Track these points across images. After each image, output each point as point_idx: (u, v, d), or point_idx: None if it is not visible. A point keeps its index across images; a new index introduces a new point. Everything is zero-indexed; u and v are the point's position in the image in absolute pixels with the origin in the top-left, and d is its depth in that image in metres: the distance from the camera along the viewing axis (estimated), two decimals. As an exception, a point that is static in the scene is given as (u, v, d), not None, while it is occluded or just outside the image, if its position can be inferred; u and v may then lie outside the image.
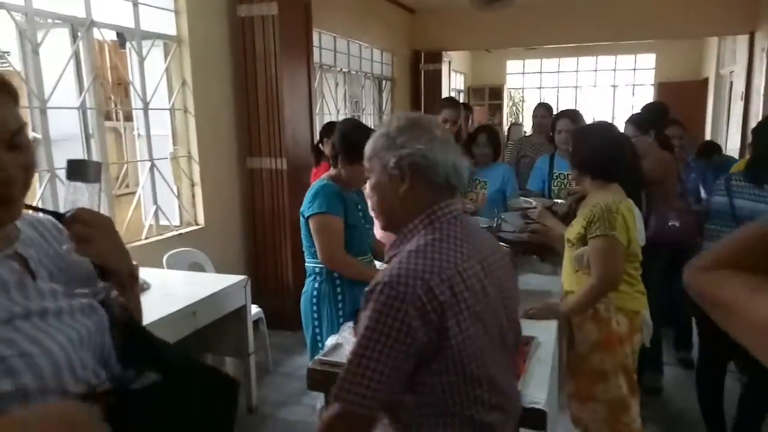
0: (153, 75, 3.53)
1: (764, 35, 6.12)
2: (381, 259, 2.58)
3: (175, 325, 2.36)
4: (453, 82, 9.28)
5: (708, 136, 9.19)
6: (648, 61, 11.04)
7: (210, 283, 2.77)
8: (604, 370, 2.03)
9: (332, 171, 2.36)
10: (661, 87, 10.64)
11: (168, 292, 2.60)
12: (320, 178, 2.38)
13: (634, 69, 11.33)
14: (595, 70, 11.63)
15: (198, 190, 3.73)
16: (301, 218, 2.32)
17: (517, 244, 2.68)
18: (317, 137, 4.51)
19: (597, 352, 2.03)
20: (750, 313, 0.70)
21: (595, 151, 2.07)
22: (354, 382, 1.08)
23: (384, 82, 7.16)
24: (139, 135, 3.61)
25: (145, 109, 3.45)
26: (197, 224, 3.75)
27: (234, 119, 4.03)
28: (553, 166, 3.48)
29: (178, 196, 3.71)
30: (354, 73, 6.30)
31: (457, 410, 1.15)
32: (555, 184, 3.44)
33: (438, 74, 7.77)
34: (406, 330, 1.08)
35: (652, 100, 9.89)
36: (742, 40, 6.82)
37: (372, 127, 2.59)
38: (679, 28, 7.04)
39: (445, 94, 7.73)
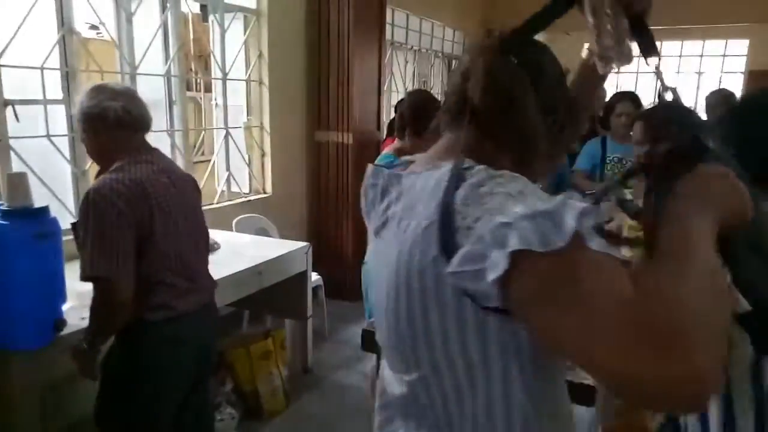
0: (232, 47, 3.69)
1: None
2: None
3: (242, 282, 2.53)
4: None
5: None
6: (740, 47, 10.30)
7: (275, 246, 2.92)
8: None
9: (398, 143, 2.36)
10: (752, 75, 9.92)
11: (237, 252, 2.77)
12: (385, 151, 2.41)
13: (724, 55, 10.61)
14: (680, 56, 10.98)
15: (267, 160, 3.90)
16: None
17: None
18: (384, 113, 4.58)
19: None
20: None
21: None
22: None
23: (454, 61, 7.10)
24: (216, 104, 3.80)
25: (224, 79, 3.63)
26: (265, 192, 3.93)
27: (305, 93, 4.15)
28: (606, 150, 3.35)
29: (249, 165, 3.89)
30: (424, 51, 6.28)
31: (158, 275, 1.63)
32: (608, 168, 3.31)
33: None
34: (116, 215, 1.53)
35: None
36: None
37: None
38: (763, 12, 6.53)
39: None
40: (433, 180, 0.76)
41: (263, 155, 3.92)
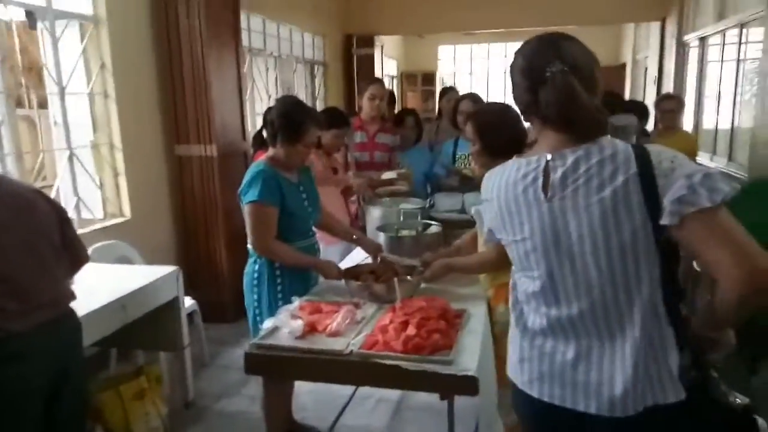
0: (68, 58, 3.33)
1: (673, 22, 6.52)
2: (339, 236, 2.60)
3: (102, 320, 2.28)
4: (386, 68, 9.30)
5: (627, 118, 9.71)
6: (571, 46, 11.47)
7: (139, 275, 2.67)
8: None
9: (270, 152, 2.31)
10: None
11: (93, 287, 2.48)
12: (258, 160, 2.34)
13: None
14: (523, 56, 11.96)
15: (122, 180, 3.57)
16: (239, 201, 2.28)
17: (448, 222, 2.77)
18: (249, 122, 4.43)
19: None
20: None
21: (507, 131, 2.01)
22: None
23: (316, 66, 7.08)
24: (55, 123, 3.40)
25: (61, 94, 3.26)
26: (123, 216, 3.60)
27: (159, 105, 3.87)
28: (457, 149, 3.56)
29: (101, 187, 3.54)
30: (285, 57, 6.19)
31: None
32: (458, 164, 3.53)
33: (371, 59, 7.76)
34: None
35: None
36: (655, 27, 7.23)
37: (314, 110, 2.55)
38: (598, 15, 7.38)
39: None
40: (606, 147, 1.16)
41: (117, 175, 3.58)
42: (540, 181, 1.22)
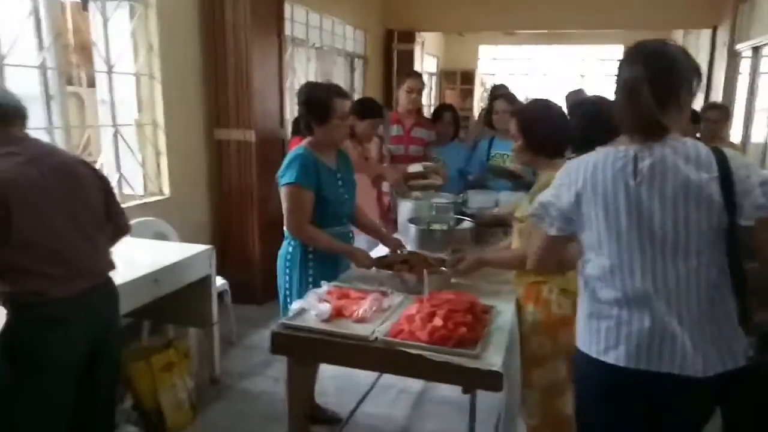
0: (117, 38, 3.43)
1: (725, 30, 6.30)
2: (366, 230, 2.59)
3: (136, 292, 2.35)
4: (425, 65, 9.27)
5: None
6: (616, 52, 11.23)
7: (174, 251, 2.75)
8: (542, 355, 1.96)
9: (309, 138, 2.35)
10: (627, 78, 10.85)
11: (130, 260, 2.55)
12: (299, 145, 2.38)
13: (603, 59, 11.52)
14: (565, 60, 11.77)
15: (163, 159, 3.67)
16: (278, 184, 2.32)
17: (481, 218, 2.75)
18: (288, 111, 4.48)
19: (537, 335, 1.96)
20: None
21: (551, 128, 2.00)
22: None
23: (356, 59, 7.11)
24: (102, 101, 3.51)
25: (109, 72, 3.36)
26: (162, 194, 3.70)
27: (202, 88, 3.95)
28: (491, 148, 3.54)
29: (143, 165, 3.64)
30: (326, 49, 6.23)
31: (24, 264, 1.66)
32: (492, 162, 3.51)
33: (410, 55, 7.75)
34: None
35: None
36: (705, 34, 7.00)
37: (333, 83, 2.56)
38: (646, 20, 7.18)
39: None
40: (689, 147, 1.37)
41: (158, 154, 3.68)
42: (630, 168, 1.39)
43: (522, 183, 2.92)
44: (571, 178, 1.48)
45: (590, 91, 5.06)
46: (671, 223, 1.37)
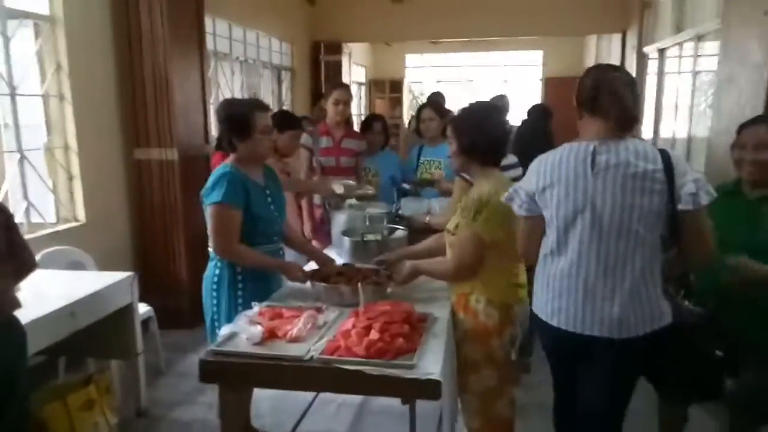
0: (21, 58, 3.20)
1: (634, 34, 6.70)
2: (294, 247, 2.53)
3: (49, 327, 2.18)
4: (354, 75, 9.30)
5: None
6: (536, 57, 11.71)
7: (91, 281, 2.56)
8: (476, 361, 1.97)
9: (233, 156, 2.26)
10: (547, 82, 11.34)
11: (41, 293, 2.37)
12: (224, 162, 2.28)
13: (524, 65, 11.97)
14: (489, 66, 12.15)
15: (77, 184, 3.44)
16: (201, 202, 2.21)
17: (414, 225, 2.75)
18: (213, 127, 4.34)
19: (468, 342, 1.98)
20: None
21: (483, 133, 1.99)
22: None
23: (283, 72, 7.02)
24: (5, 124, 3.26)
25: (12, 95, 3.12)
26: (77, 220, 3.46)
27: (118, 108, 3.76)
28: (421, 156, 3.59)
29: (54, 191, 3.40)
30: (251, 62, 6.11)
31: None
32: (419, 170, 3.58)
33: (338, 66, 7.74)
34: None
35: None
36: (617, 39, 7.42)
37: (251, 98, 2.50)
38: (561, 26, 7.54)
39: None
40: (637, 145, 1.65)
41: (71, 179, 3.45)
42: (589, 160, 1.67)
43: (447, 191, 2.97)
44: (539, 167, 1.77)
45: (513, 96, 5.25)
46: (618, 208, 1.64)
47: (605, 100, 1.68)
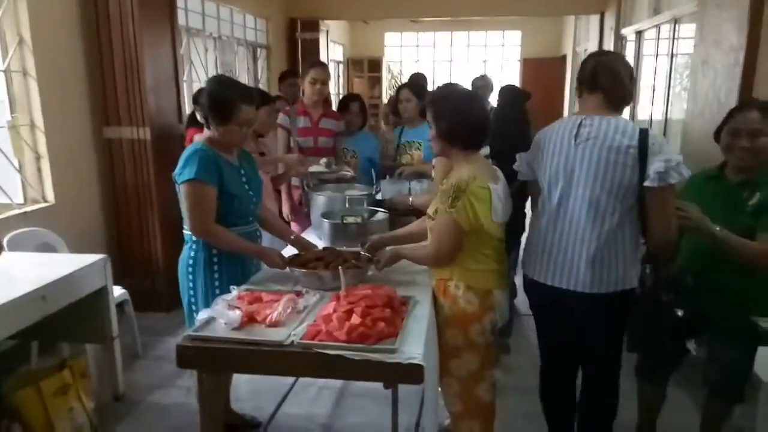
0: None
1: (612, 15, 6.71)
2: (271, 230, 2.47)
3: (20, 311, 2.10)
4: (332, 53, 9.15)
5: (566, 108, 9.99)
6: (515, 38, 11.69)
7: (62, 263, 2.48)
8: (456, 346, 1.96)
9: (206, 133, 2.18)
10: (525, 63, 11.35)
11: (10, 276, 2.30)
12: (196, 139, 2.20)
13: (503, 45, 11.95)
14: (468, 46, 12.10)
15: (45, 163, 3.32)
16: (175, 184, 2.15)
17: (395, 208, 2.73)
18: (186, 105, 4.23)
19: (449, 327, 1.96)
20: None
21: (464, 117, 1.93)
22: None
23: (259, 49, 6.87)
24: (-33, 99, 3.12)
25: (-27, 69, 2.98)
26: (46, 201, 3.35)
27: (86, 84, 3.62)
28: (401, 137, 3.56)
29: (20, 170, 3.28)
30: (225, 38, 5.95)
31: None
32: (399, 152, 3.54)
33: (315, 43, 7.60)
34: None
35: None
36: (594, 20, 7.43)
37: (243, 82, 2.41)
38: (540, 7, 7.50)
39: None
40: (619, 123, 1.84)
41: (39, 158, 3.32)
42: (574, 131, 1.89)
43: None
44: (538, 137, 2.03)
45: (494, 76, 5.24)
46: (592, 176, 1.85)
47: (603, 78, 1.88)
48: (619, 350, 2.05)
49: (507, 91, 3.85)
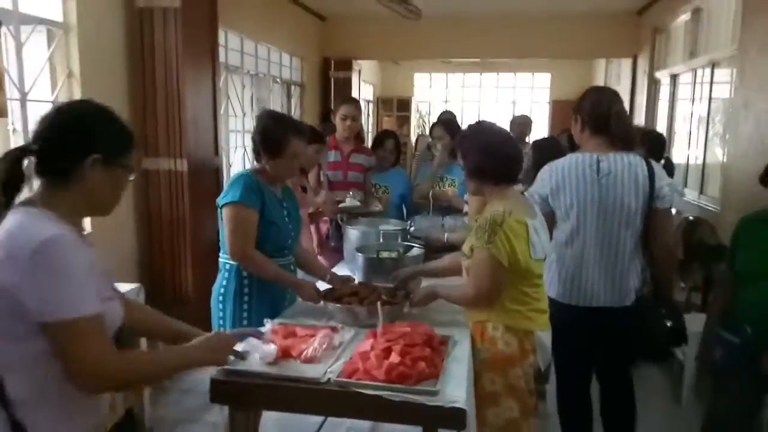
0: (33, 64, 3.16)
1: (645, 59, 6.70)
2: (309, 270, 2.41)
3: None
4: (363, 92, 9.31)
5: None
6: (544, 80, 11.75)
7: (97, 292, 2.48)
8: (494, 392, 1.87)
9: (256, 165, 2.23)
10: (554, 104, 11.36)
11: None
12: (245, 170, 2.25)
13: (532, 87, 12.00)
14: (497, 87, 12.19)
15: (86, 192, 3.38)
16: (217, 209, 2.16)
17: (432, 244, 2.68)
18: (222, 138, 4.30)
19: (486, 372, 1.88)
20: None
21: (492, 152, 1.91)
22: None
23: (293, 87, 7.02)
24: (14, 129, 3.21)
25: (23, 100, 3.08)
26: (83, 229, 3.39)
27: (128, 116, 3.71)
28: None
29: (62, 199, 3.34)
30: (262, 75, 6.11)
31: None
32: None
33: (348, 82, 7.75)
34: None
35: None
36: (626, 63, 7.42)
37: (296, 119, 2.45)
38: (571, 50, 7.55)
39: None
40: (630, 158, 2.20)
41: (79, 187, 3.39)
42: (595, 167, 2.18)
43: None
44: (551, 174, 2.24)
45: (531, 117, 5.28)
46: (618, 206, 2.15)
47: (614, 125, 2.18)
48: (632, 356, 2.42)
49: (542, 146, 3.65)
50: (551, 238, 2.22)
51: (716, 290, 2.15)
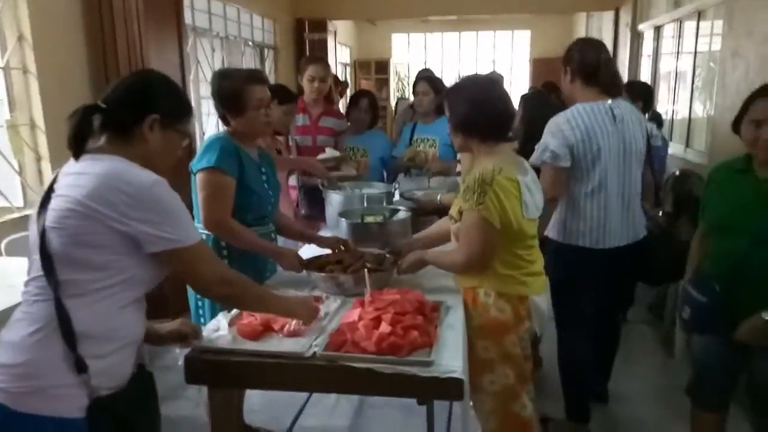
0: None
1: (628, 11, 6.54)
2: (290, 235, 2.33)
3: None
4: (339, 55, 9.01)
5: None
6: (524, 37, 11.52)
7: (63, 270, 2.33)
8: (489, 359, 1.78)
9: (227, 128, 2.08)
10: (535, 63, 11.17)
11: (9, 283, 2.14)
12: (219, 132, 2.08)
13: (512, 46, 11.78)
14: (477, 46, 11.94)
15: (46, 165, 3.17)
16: (191, 175, 2.00)
17: (423, 206, 2.56)
18: (193, 105, 4.08)
19: (480, 339, 1.78)
20: None
21: (481, 106, 1.76)
22: None
23: (266, 50, 6.73)
24: (-37, 100, 2.98)
25: (-30, 66, 2.84)
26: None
27: (89, 83, 3.47)
28: (414, 134, 3.36)
29: (20, 172, 3.13)
30: (232, 38, 5.82)
31: None
32: (413, 146, 3.33)
33: (324, 44, 7.46)
34: None
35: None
36: (608, 17, 7.25)
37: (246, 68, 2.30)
38: (551, 4, 7.34)
39: (331, 65, 7.44)
40: (628, 103, 2.41)
41: (39, 159, 3.17)
42: (610, 114, 2.24)
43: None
44: (571, 126, 2.20)
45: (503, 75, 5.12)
46: (634, 149, 2.27)
47: (605, 76, 2.25)
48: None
49: (532, 99, 3.53)
50: (567, 191, 2.27)
51: (692, 244, 2.02)
